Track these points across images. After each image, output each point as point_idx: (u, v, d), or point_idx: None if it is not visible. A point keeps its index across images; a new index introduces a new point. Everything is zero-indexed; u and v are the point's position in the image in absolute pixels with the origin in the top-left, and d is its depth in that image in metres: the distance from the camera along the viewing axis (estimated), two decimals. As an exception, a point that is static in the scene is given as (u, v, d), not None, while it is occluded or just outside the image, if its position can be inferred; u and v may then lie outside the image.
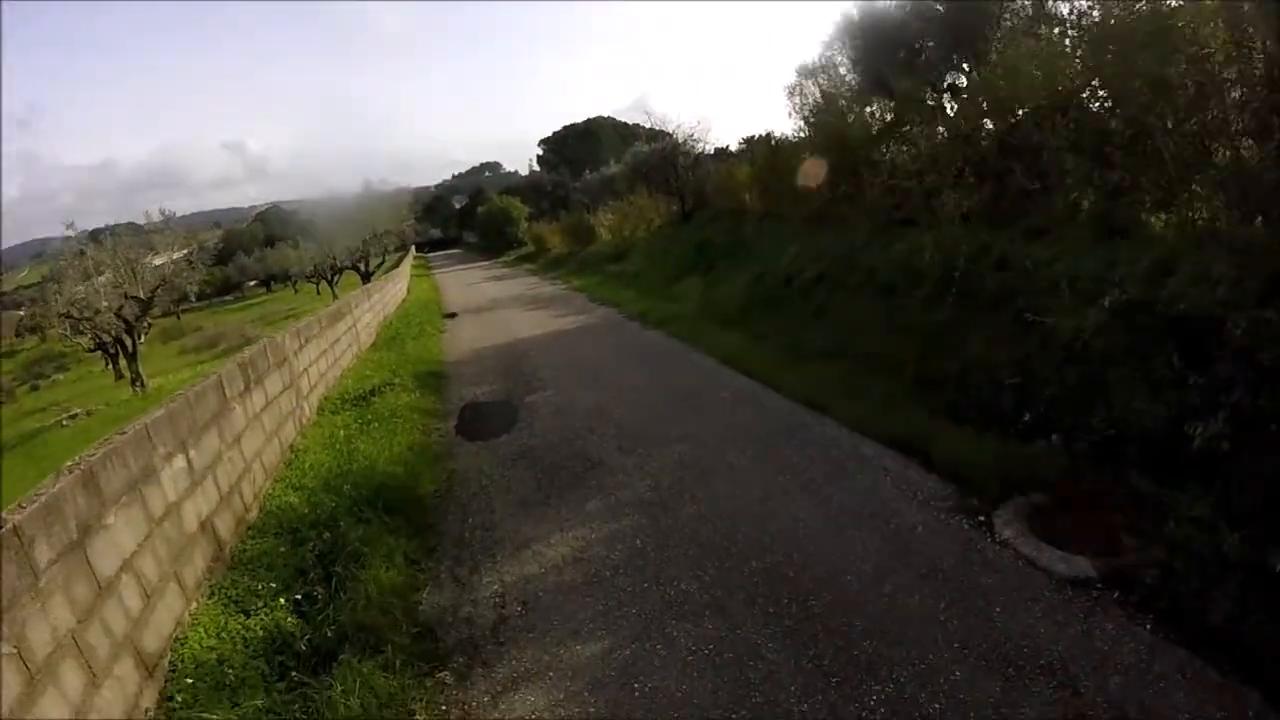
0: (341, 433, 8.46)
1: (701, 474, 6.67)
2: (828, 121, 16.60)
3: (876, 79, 19.80)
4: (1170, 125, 7.32)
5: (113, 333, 23.08)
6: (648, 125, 31.29)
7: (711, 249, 20.04)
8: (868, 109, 17.09)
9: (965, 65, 15.84)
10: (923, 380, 8.37)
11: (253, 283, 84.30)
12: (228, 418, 6.40)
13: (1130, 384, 5.91)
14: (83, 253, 23.03)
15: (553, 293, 24.65)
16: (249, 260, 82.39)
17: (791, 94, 23.69)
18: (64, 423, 21.19)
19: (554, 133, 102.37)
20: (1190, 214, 7.20)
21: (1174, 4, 8.15)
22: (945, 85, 18.34)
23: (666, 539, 5.51)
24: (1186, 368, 5.46)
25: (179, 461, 5.24)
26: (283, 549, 5.59)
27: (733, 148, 30.52)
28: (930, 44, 18.06)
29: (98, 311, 22.61)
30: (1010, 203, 9.96)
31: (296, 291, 68.05)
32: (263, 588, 5.02)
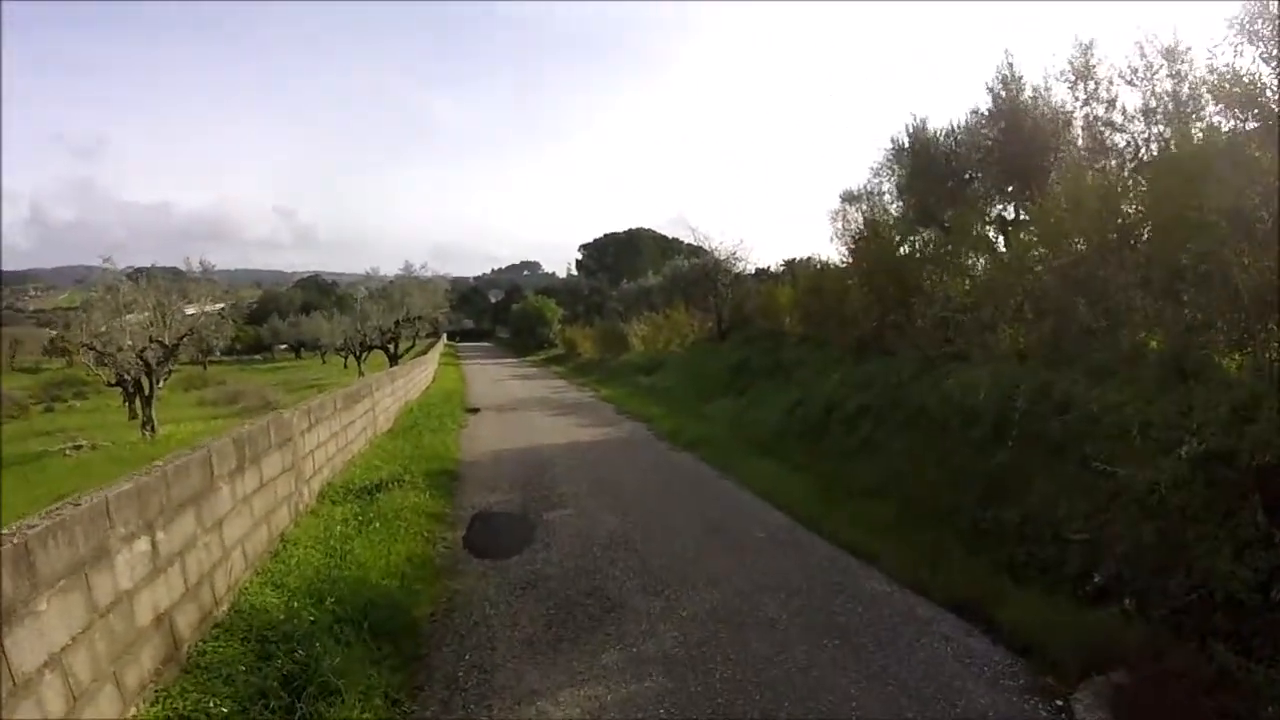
0: (339, 529, 7.65)
1: (737, 629, 5.78)
2: (875, 247, 16.11)
3: (924, 207, 19.55)
4: (1247, 261, 6.74)
5: (132, 373, 22.64)
6: (688, 240, 31.34)
7: (748, 370, 19.44)
8: (918, 237, 16.74)
9: (1019, 197, 15.51)
10: (979, 530, 7.65)
11: (283, 347, 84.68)
12: (211, 499, 5.66)
13: (1211, 543, 5.27)
14: (115, 288, 22.73)
15: (580, 399, 24.01)
16: (282, 325, 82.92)
17: (835, 219, 23.54)
18: (68, 452, 20.62)
19: (595, 239, 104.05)
20: (1269, 355, 6.60)
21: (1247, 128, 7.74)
22: (995, 216, 17.99)
23: (696, 708, 4.60)
24: (1273, 525, 4.92)
25: (141, 544, 4.50)
26: (246, 660, 4.74)
27: (773, 268, 30.40)
28: (979, 175, 17.81)
29: (120, 349, 22.17)
30: (1072, 341, 9.39)
31: (324, 362, 68.20)
32: (214, 707, 4.17)
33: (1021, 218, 15.72)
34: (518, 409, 21.18)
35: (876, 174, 20.48)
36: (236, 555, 6.09)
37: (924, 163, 18.61)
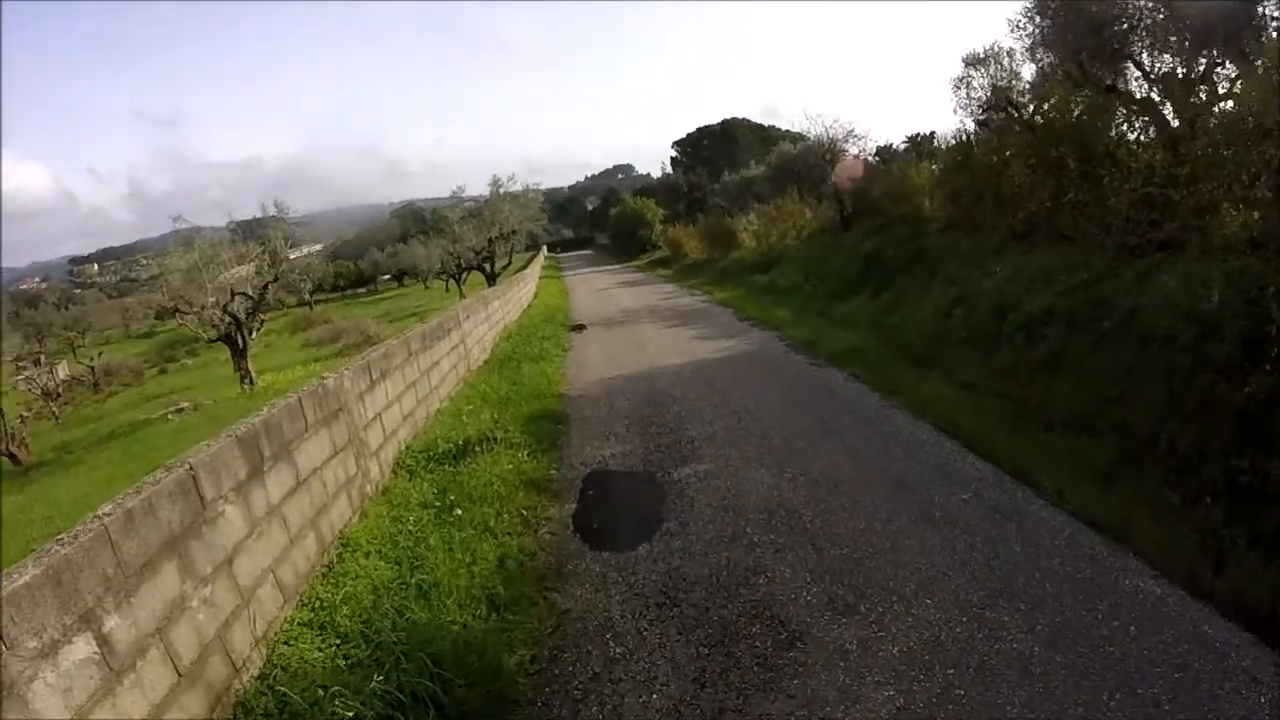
0: (413, 519, 5.94)
1: (978, 677, 3.79)
2: (1046, 109, 13.24)
3: (1075, 65, 16.60)
4: None
5: (221, 328, 22.08)
6: (794, 125, 28.24)
7: (883, 263, 16.89)
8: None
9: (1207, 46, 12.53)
10: (1237, 486, 5.50)
11: (386, 277, 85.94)
12: (206, 532, 3.96)
13: None
14: (189, 245, 22.27)
15: (693, 305, 21.86)
16: (381, 256, 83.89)
17: (958, 87, 20.53)
18: (170, 417, 20.71)
19: (688, 134, 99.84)
20: None
21: None
22: (1160, 74, 15.04)
23: None
24: None
25: (79, 647, 2.84)
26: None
27: (895, 146, 27.23)
28: (1155, 17, 14.76)
29: (203, 307, 21.54)
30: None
31: (427, 287, 68.55)
32: None
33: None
34: (626, 322, 19.27)
35: (1015, 29, 17.46)
36: (266, 593, 4.44)
37: (1076, 10, 15.58)
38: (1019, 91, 20.27)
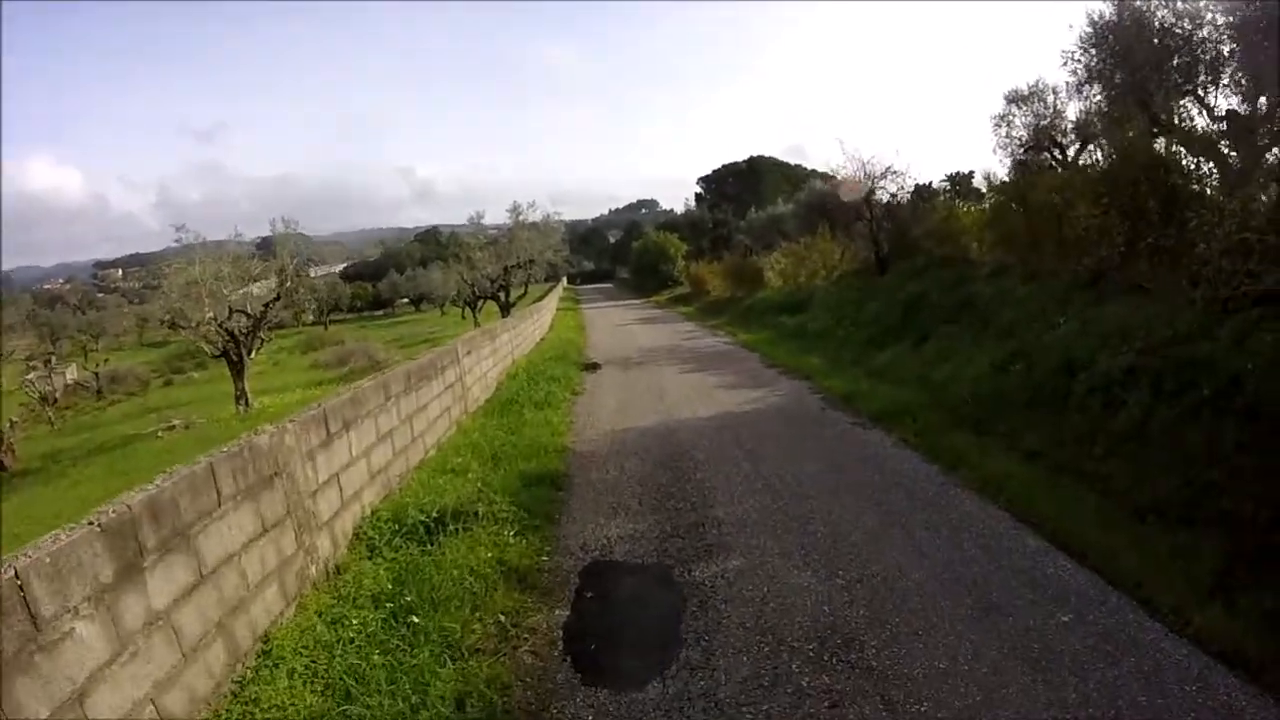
0: (356, 624, 4.57)
1: None
2: (1121, 145, 11.92)
3: (1135, 99, 15.52)
4: None
5: (219, 345, 21.23)
6: (820, 167, 27.09)
7: (925, 309, 15.51)
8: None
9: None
10: None
11: (404, 300, 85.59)
12: (41, 663, 2.72)
13: None
14: (190, 260, 21.32)
15: (715, 347, 20.48)
16: (400, 279, 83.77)
17: (998, 126, 19.49)
18: (160, 434, 19.70)
19: (713, 170, 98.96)
20: None
21: None
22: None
23: None
24: None
25: None
26: None
27: (935, 184, 25.94)
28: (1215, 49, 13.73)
29: (199, 324, 20.63)
30: None
31: (444, 313, 67.99)
32: None
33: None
34: (644, 363, 17.89)
35: (1069, 61, 16.36)
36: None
37: (1133, 41, 14.46)
38: (1062, 130, 19.13)
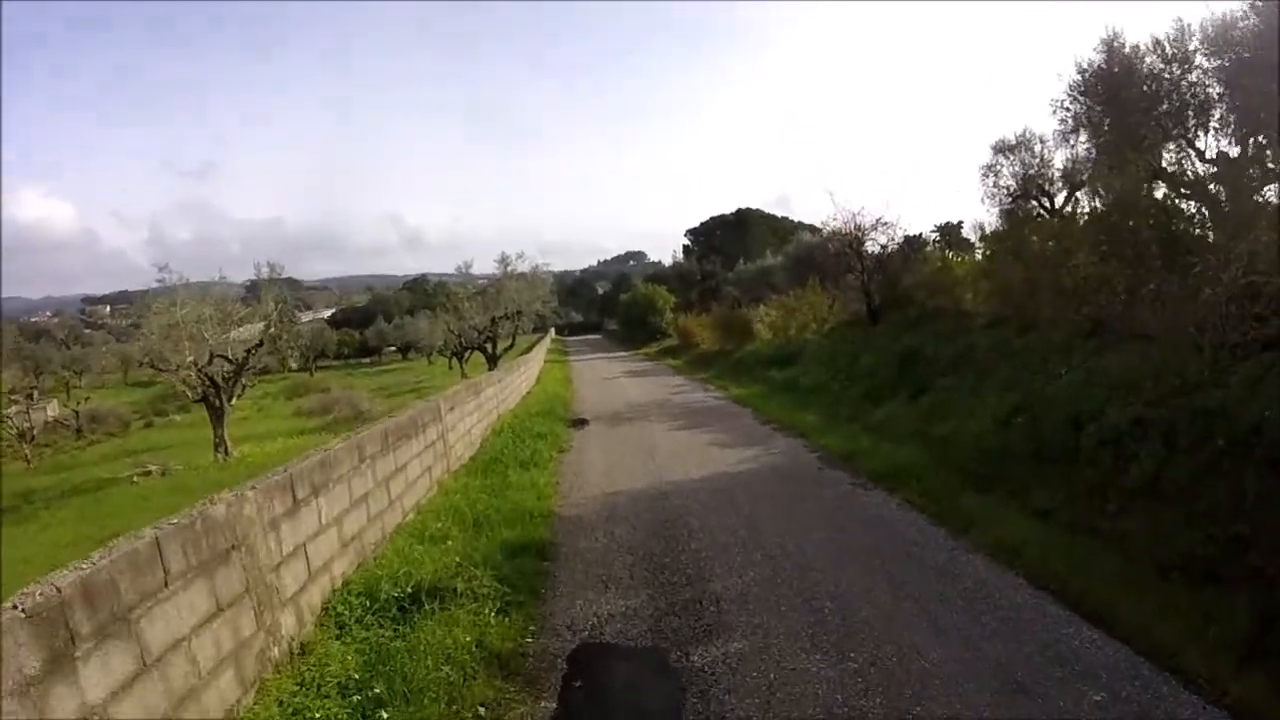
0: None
1: None
2: (1120, 190, 11.75)
3: (1123, 145, 15.49)
4: None
5: (198, 390, 20.84)
6: (805, 219, 27.12)
7: (921, 362, 15.19)
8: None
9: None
10: None
11: (392, 348, 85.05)
12: None
13: None
14: (173, 302, 20.84)
15: (706, 402, 20.07)
16: (388, 327, 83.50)
17: (986, 175, 19.51)
18: (135, 479, 19.23)
19: (701, 223, 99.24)
20: None
21: None
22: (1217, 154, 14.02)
23: None
24: None
25: None
26: None
27: (924, 235, 25.86)
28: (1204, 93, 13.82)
29: (179, 367, 20.19)
30: None
31: (431, 363, 67.57)
32: None
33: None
34: (634, 418, 17.43)
35: (1058, 109, 16.48)
36: None
37: (1123, 88, 14.56)
38: (1049, 179, 19.12)
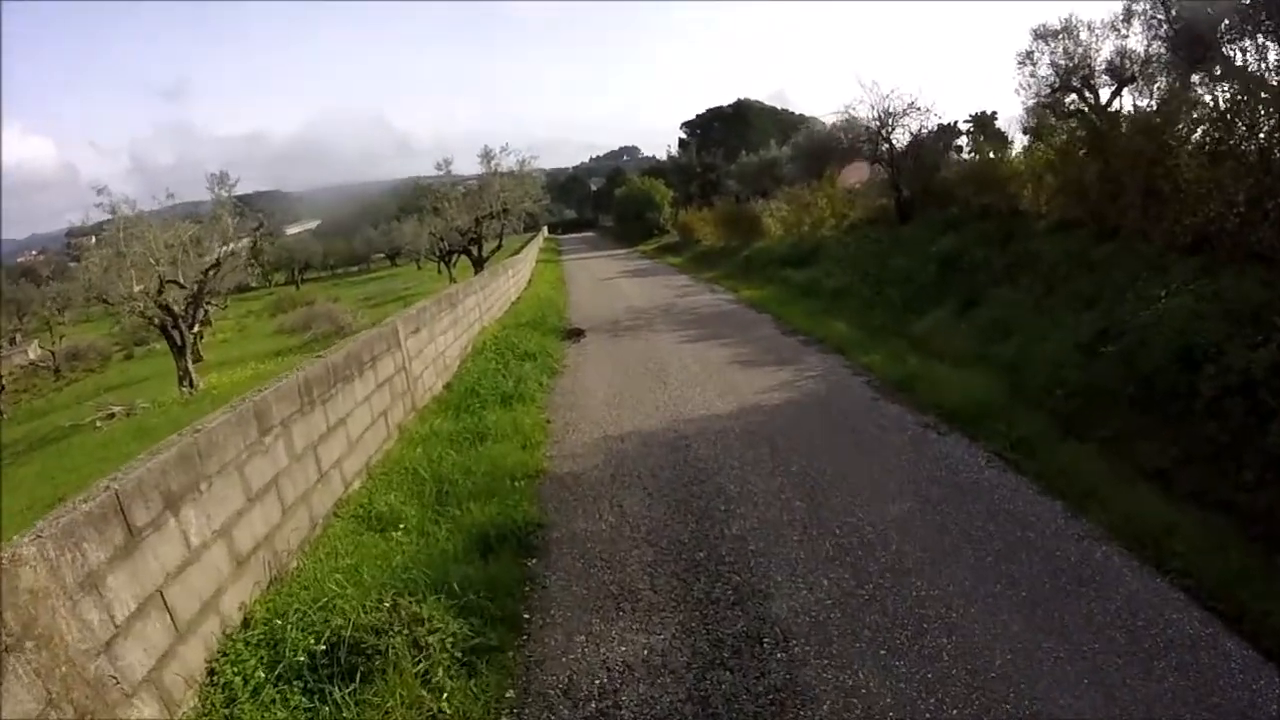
0: None
1: None
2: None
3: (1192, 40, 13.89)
4: None
5: (156, 320, 19.00)
6: (806, 111, 24.47)
7: (967, 268, 13.15)
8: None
9: None
10: None
11: (380, 255, 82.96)
12: None
13: None
14: (116, 229, 18.98)
15: (717, 305, 18.04)
16: (374, 234, 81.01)
17: (1022, 65, 17.37)
18: (98, 424, 17.87)
19: (697, 115, 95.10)
20: None
21: None
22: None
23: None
24: None
25: None
26: None
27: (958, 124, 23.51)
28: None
29: (128, 298, 18.20)
30: None
31: (420, 268, 65.52)
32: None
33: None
34: (636, 328, 15.45)
35: None
36: None
37: None
38: (1093, 72, 16.88)
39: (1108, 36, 16.50)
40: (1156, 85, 15.67)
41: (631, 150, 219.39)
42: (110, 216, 18.92)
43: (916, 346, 11.20)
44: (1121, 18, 16.07)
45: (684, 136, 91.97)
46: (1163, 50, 15.07)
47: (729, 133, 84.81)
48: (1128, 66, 16.14)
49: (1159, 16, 14.92)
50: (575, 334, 15.20)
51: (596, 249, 52.75)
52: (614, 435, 8.16)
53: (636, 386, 10.21)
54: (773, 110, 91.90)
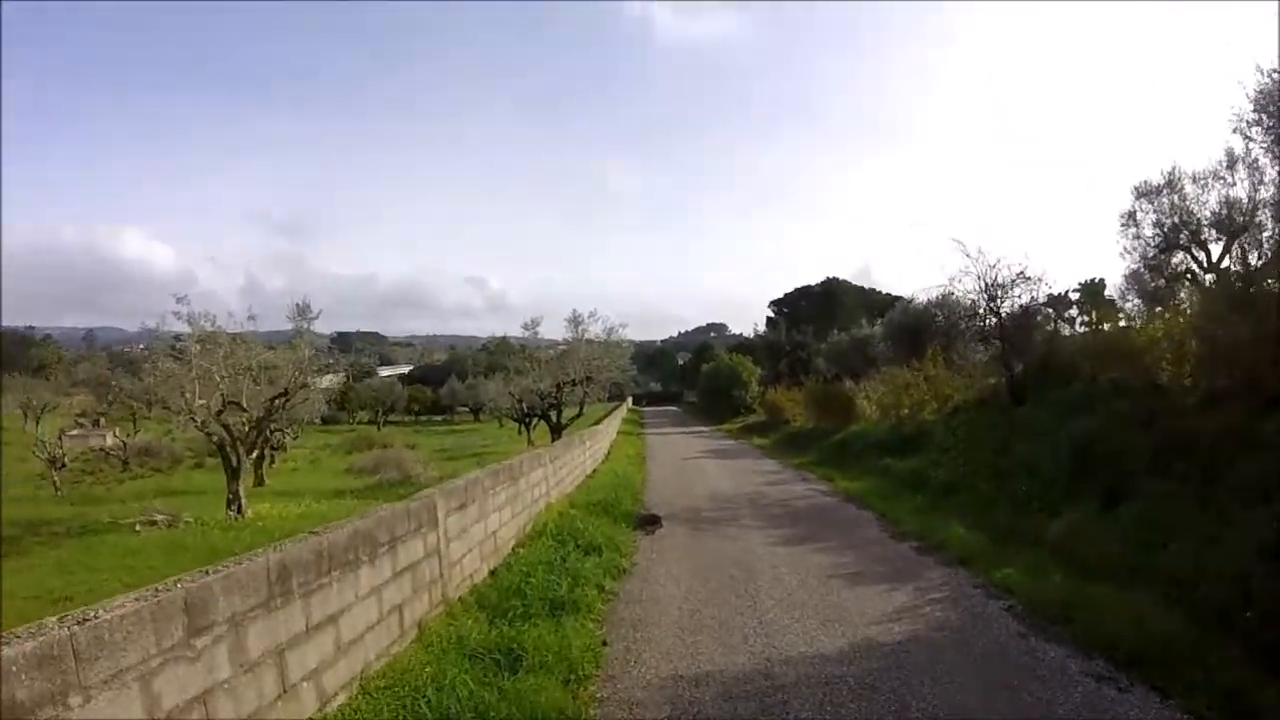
0: None
1: None
2: None
3: None
4: None
5: (215, 438, 18.80)
6: (891, 290, 23.39)
7: (1107, 455, 11.32)
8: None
9: None
10: None
11: (464, 408, 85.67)
12: None
13: None
14: (192, 337, 19.11)
15: (811, 498, 16.32)
16: (460, 387, 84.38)
17: (1125, 225, 16.17)
18: (137, 528, 17.66)
19: (785, 294, 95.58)
20: None
21: None
22: None
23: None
24: None
25: None
26: None
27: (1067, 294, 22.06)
28: None
29: (187, 411, 18.11)
30: None
31: (501, 426, 66.10)
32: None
33: None
34: (720, 520, 13.80)
35: (1237, 128, 13.44)
36: None
37: None
38: (1199, 227, 15.64)
39: (1213, 187, 15.32)
40: (1266, 234, 14.41)
41: (719, 327, 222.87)
42: (188, 329, 18.89)
43: (1056, 555, 9.36)
44: (1225, 164, 14.96)
45: (772, 314, 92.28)
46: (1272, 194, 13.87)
47: (818, 311, 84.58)
48: (1236, 219, 14.81)
49: (1262, 158, 13.78)
50: (651, 521, 13.64)
51: (680, 424, 51.83)
52: (687, 676, 6.30)
53: (719, 603, 8.44)
54: (860, 289, 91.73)
